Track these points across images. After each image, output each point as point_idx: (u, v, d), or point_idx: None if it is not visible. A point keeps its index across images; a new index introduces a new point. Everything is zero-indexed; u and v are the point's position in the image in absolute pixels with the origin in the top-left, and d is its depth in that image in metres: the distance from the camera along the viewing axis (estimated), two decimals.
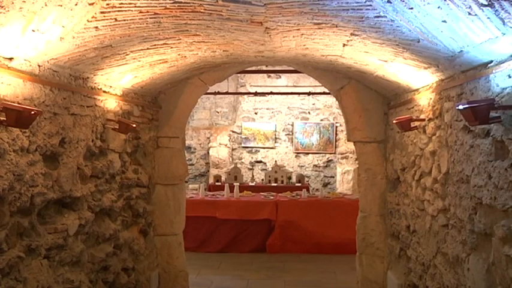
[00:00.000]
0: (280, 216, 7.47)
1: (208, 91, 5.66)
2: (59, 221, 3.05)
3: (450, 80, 3.04)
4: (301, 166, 11.66)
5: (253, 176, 10.80)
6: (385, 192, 4.87)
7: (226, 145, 11.49)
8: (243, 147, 11.79)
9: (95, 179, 3.58)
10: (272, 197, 7.89)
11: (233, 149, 11.80)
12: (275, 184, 9.98)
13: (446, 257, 3.11)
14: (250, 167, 11.63)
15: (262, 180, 10.56)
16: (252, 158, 11.82)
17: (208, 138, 11.68)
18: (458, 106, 2.42)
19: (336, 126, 11.47)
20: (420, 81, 3.56)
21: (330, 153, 11.51)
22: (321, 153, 11.55)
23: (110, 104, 3.78)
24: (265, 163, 11.79)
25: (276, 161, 10.86)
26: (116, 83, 3.81)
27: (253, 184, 10.05)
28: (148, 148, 4.80)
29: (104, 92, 3.66)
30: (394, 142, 4.56)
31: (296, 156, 11.71)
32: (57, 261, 3.01)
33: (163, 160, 5.05)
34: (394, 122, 3.90)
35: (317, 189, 10.80)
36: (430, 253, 3.46)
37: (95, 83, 3.51)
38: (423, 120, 3.60)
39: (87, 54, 2.92)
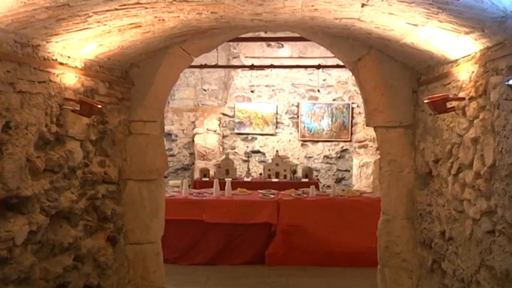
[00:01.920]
0: (282, 220, 7.45)
1: (193, 64, 5.66)
2: (3, 227, 3.00)
3: (499, 48, 2.98)
4: (309, 157, 11.64)
5: (248, 169, 10.77)
6: (414, 190, 4.86)
7: (215, 131, 11.45)
8: (237, 133, 11.75)
9: (49, 173, 3.54)
10: (272, 196, 7.87)
11: (224, 136, 11.76)
12: (276, 180, 9.97)
13: (493, 272, 3.08)
14: (246, 159, 11.59)
15: (261, 174, 10.54)
16: (247, 147, 11.79)
17: (193, 122, 11.64)
18: (508, 81, 2.36)
19: (352, 108, 11.44)
20: (460, 50, 3.51)
21: (345, 141, 11.48)
22: (333, 141, 11.53)
23: (69, 79, 3.74)
24: (263, 153, 11.76)
25: (277, 151, 10.81)
26: (75, 52, 3.76)
27: (249, 180, 10.03)
28: (118, 135, 4.78)
29: (61, 64, 3.61)
30: (425, 127, 4.54)
31: (302, 144, 11.68)
32: (0, 278, 2.96)
33: (136, 150, 5.04)
34: (426, 101, 3.88)
35: (328, 186, 10.77)
36: (471, 266, 3.43)
37: (49, 53, 3.45)
38: (463, 99, 3.56)
39: (37, 15, 2.85)
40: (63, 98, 3.66)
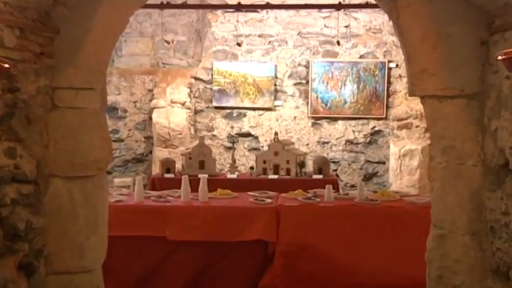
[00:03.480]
0: (284, 236, 7.43)
1: (150, 2, 5.58)
2: None
3: None
4: (324, 143, 11.64)
5: (234, 161, 10.73)
6: (481, 191, 4.84)
7: (183, 104, 11.42)
8: (216, 107, 11.73)
9: None
10: (269, 201, 7.85)
11: (197, 112, 11.73)
12: (275, 176, 9.98)
13: None
14: (230, 145, 11.53)
15: (252, 169, 10.52)
16: (232, 128, 11.76)
17: (151, 91, 11.59)
18: None
19: (390, 68, 11.43)
20: None
21: (378, 119, 11.49)
22: (360, 118, 11.53)
23: None
24: (256, 137, 11.74)
25: (276, 134, 10.74)
26: None
27: (234, 176, 10.04)
28: (36, 109, 4.74)
29: None
30: (499, 97, 4.50)
31: (314, 124, 11.67)
32: None
33: (65, 132, 5.01)
34: (500, 58, 3.84)
35: (353, 186, 10.77)
36: None
37: None
38: None
39: None
40: None
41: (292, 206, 7.67)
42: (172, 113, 11.35)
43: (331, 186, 8.11)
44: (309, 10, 11.06)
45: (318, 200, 7.87)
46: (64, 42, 4.94)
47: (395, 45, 10.94)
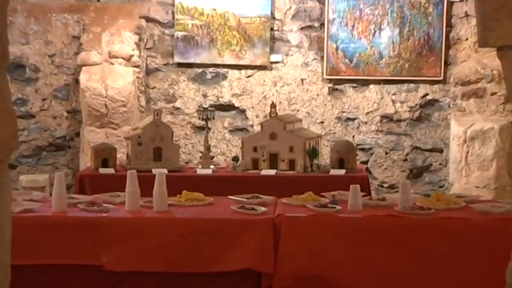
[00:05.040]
0: (285, 264, 7.45)
1: None
2: None
3: None
4: (348, 119, 11.65)
5: (208, 148, 10.74)
6: None
7: (129, 60, 11.42)
8: (180, 65, 11.73)
9: None
10: (264, 209, 7.87)
11: (150, 72, 11.73)
12: (271, 172, 10.04)
13: None
14: (202, 123, 11.51)
15: (236, 160, 10.52)
16: (205, 96, 11.75)
17: (77, 38, 11.57)
18: None
19: (451, 3, 11.40)
20: None
21: (432, 82, 11.51)
22: (405, 80, 11.53)
23: None
24: (242, 111, 11.74)
25: (273, 106, 10.75)
26: None
27: (208, 172, 10.07)
28: None
29: None
30: None
31: (333, 90, 11.69)
32: None
33: None
34: None
35: (392, 187, 10.81)
36: None
37: None
38: None
39: None
40: None
41: (299, 217, 7.67)
42: (111, 74, 11.35)
43: (358, 187, 8.12)
44: None
45: (338, 208, 7.87)
46: None
47: None
